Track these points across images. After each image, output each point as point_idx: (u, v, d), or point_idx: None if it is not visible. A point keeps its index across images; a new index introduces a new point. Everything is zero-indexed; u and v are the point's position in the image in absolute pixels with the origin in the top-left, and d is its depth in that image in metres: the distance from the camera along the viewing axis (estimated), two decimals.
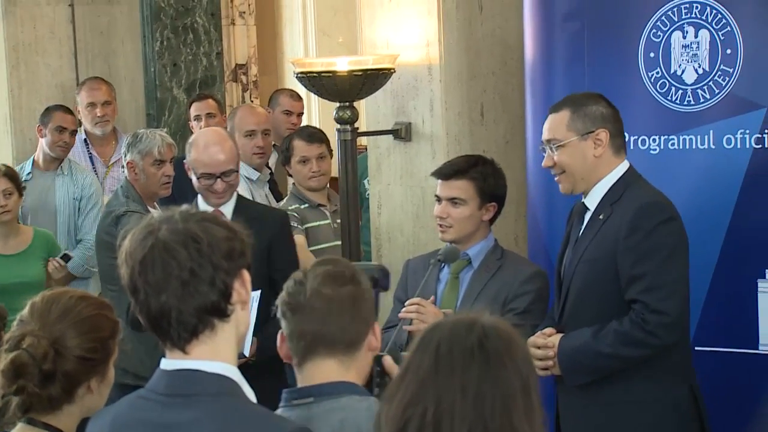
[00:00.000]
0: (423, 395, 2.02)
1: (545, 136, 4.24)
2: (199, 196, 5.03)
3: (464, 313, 2.17)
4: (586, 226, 4.20)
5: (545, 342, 4.16)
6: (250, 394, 2.44)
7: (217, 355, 2.41)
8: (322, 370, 2.81)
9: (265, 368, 4.85)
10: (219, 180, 4.90)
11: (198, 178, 4.92)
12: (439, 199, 4.57)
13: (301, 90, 7.40)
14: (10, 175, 6.07)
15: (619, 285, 4.05)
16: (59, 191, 6.82)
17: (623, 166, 4.19)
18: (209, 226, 2.39)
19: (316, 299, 2.79)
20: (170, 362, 2.43)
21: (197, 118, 7.17)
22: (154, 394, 2.43)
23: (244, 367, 4.54)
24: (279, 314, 2.84)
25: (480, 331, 2.06)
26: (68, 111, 7.08)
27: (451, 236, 4.53)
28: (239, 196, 5.13)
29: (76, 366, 2.85)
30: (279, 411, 2.78)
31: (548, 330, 4.20)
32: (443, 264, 4.55)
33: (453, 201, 4.51)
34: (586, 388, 4.14)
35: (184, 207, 2.47)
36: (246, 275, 2.43)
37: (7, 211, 5.97)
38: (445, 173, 4.56)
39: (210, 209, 4.89)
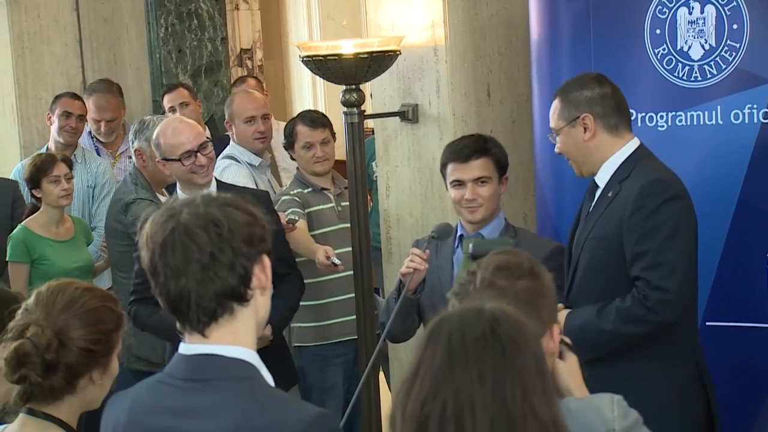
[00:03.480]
0: (440, 389, 1.99)
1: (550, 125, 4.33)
2: (179, 190, 5.05)
3: (469, 303, 2.13)
4: (595, 204, 4.22)
5: None
6: (269, 379, 2.44)
7: (237, 339, 2.41)
8: None
9: (273, 353, 4.88)
10: (200, 154, 4.94)
11: (179, 161, 4.94)
12: (460, 183, 4.52)
13: (307, 73, 7.40)
14: (68, 161, 6.13)
15: (624, 262, 4.06)
16: (73, 179, 6.83)
17: (632, 145, 4.19)
18: (230, 211, 2.40)
19: (486, 290, 2.62)
20: (189, 347, 2.44)
21: (172, 109, 7.11)
22: (173, 379, 2.44)
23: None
24: (449, 308, 2.65)
25: (489, 317, 2.03)
26: (75, 97, 7.08)
27: (482, 215, 4.50)
28: (218, 181, 5.15)
29: (79, 357, 2.85)
30: None
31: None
32: (439, 241, 4.54)
33: (480, 180, 4.49)
34: (588, 365, 4.13)
35: (206, 191, 2.47)
36: (266, 260, 2.43)
37: (69, 194, 6.01)
38: (466, 154, 4.52)
39: None
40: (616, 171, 4.16)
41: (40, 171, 5.95)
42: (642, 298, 3.99)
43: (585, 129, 4.17)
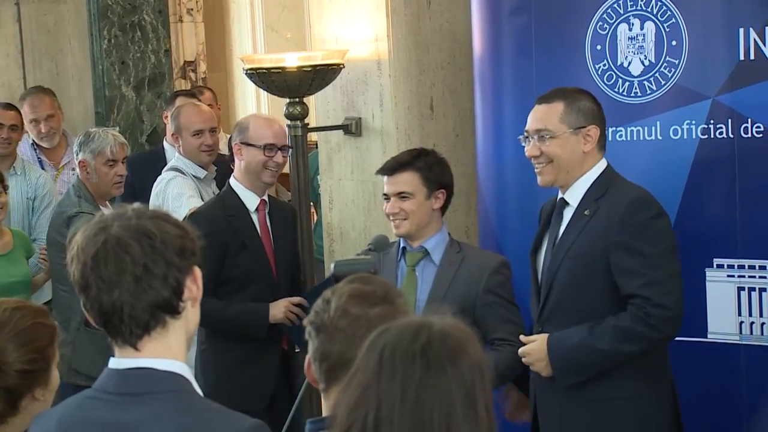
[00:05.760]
0: (365, 399, 2.00)
1: (534, 126, 4.21)
2: (235, 183, 5.07)
3: (417, 316, 2.13)
4: (569, 223, 4.19)
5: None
6: (200, 392, 2.44)
7: (169, 352, 2.40)
8: None
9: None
10: (280, 152, 5.05)
11: (261, 149, 5.01)
12: (387, 197, 4.54)
13: (251, 86, 7.40)
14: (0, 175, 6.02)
15: (608, 280, 4.05)
16: (13, 191, 6.71)
17: (603, 163, 4.21)
18: (162, 224, 2.39)
19: (341, 318, 2.60)
20: (121, 361, 2.41)
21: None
22: (105, 394, 2.41)
23: None
24: (306, 335, 2.67)
25: (425, 336, 2.03)
26: (9, 107, 6.99)
27: (405, 229, 4.51)
28: (270, 197, 5.28)
29: (18, 380, 2.82)
30: None
31: (531, 337, 4.21)
32: (379, 253, 4.55)
33: (401, 195, 4.50)
34: (568, 389, 4.15)
35: (136, 204, 2.47)
36: (198, 272, 2.43)
37: (4, 208, 5.87)
38: (390, 168, 4.54)
39: (253, 202, 5.04)
40: (589, 188, 4.16)
41: None
42: (644, 315, 3.98)
43: (585, 140, 4.16)
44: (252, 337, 4.96)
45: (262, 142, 5.01)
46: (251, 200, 5.04)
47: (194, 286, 2.42)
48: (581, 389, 4.12)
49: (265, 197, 5.10)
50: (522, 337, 4.23)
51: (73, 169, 6.39)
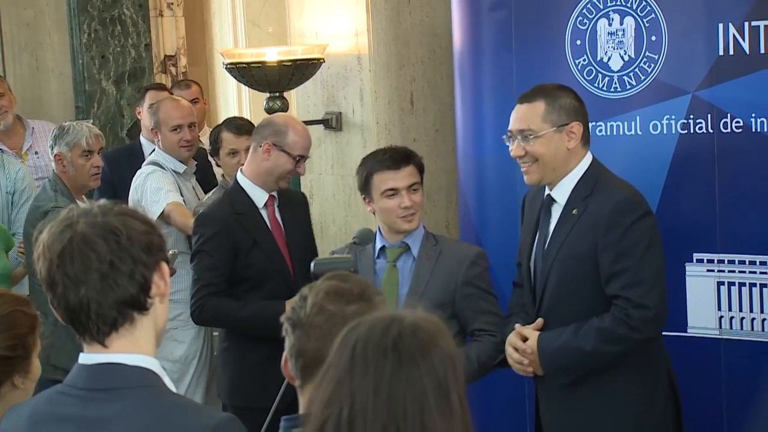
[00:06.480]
0: (339, 394, 1.99)
1: (517, 126, 4.15)
2: (243, 179, 5.01)
3: (388, 310, 2.13)
4: (558, 223, 4.17)
5: (524, 346, 4.14)
6: (171, 386, 2.44)
7: (137, 348, 2.40)
8: None
9: None
10: (303, 164, 5.02)
11: (295, 159, 4.95)
12: (394, 192, 4.45)
13: (232, 80, 7.38)
14: None
15: (599, 281, 4.05)
16: None
17: (588, 158, 4.18)
18: (128, 220, 2.38)
19: (317, 315, 2.60)
20: (89, 356, 2.42)
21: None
22: (74, 389, 2.41)
23: None
24: (282, 331, 2.67)
25: (396, 330, 2.02)
26: None
27: (418, 222, 4.49)
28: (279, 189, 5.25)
29: None
30: None
31: (527, 330, 4.18)
32: (361, 247, 4.54)
33: (412, 188, 4.46)
34: (567, 384, 4.15)
35: (102, 201, 2.46)
36: (165, 268, 2.43)
37: None
38: (398, 161, 4.47)
39: (261, 198, 4.98)
40: (576, 186, 4.13)
41: None
42: (624, 317, 3.98)
43: (569, 137, 4.11)
44: (270, 336, 4.91)
45: (297, 153, 4.96)
46: (260, 197, 4.99)
47: (162, 282, 2.42)
48: (579, 386, 4.12)
49: (274, 192, 5.05)
50: (518, 327, 4.19)
51: (36, 153, 6.35)
